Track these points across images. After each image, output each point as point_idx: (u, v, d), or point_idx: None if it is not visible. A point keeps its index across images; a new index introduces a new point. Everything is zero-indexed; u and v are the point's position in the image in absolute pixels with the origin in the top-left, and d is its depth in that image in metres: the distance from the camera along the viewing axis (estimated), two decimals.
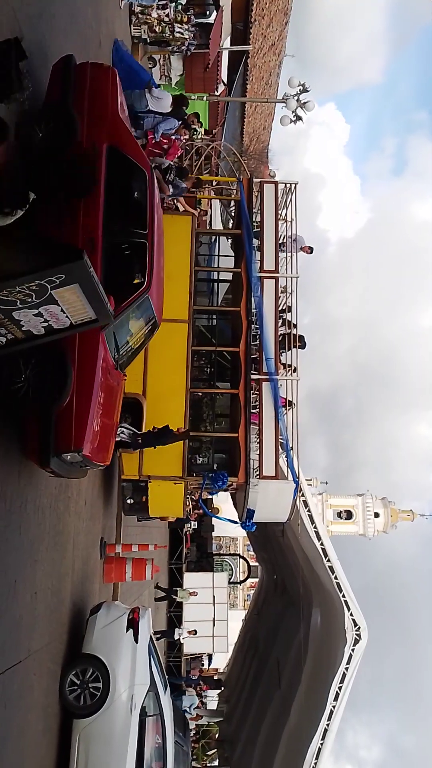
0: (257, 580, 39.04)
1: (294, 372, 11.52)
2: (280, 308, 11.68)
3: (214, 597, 20.60)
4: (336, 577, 15.36)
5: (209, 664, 31.81)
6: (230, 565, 47.39)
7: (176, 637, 19.52)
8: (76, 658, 7.38)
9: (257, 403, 11.08)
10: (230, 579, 31.70)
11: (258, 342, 11.01)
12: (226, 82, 25.57)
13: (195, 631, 19.53)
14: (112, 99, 5.91)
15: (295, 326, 11.77)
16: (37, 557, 6.46)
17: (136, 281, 5.85)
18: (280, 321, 11.54)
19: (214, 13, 21.17)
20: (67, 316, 3.35)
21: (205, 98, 20.78)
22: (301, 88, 20.80)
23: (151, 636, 8.29)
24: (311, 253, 12.26)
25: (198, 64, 21.21)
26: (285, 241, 11.67)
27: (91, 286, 3.21)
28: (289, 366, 11.56)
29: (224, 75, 25.32)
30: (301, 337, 11.94)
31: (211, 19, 21.05)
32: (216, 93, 23.33)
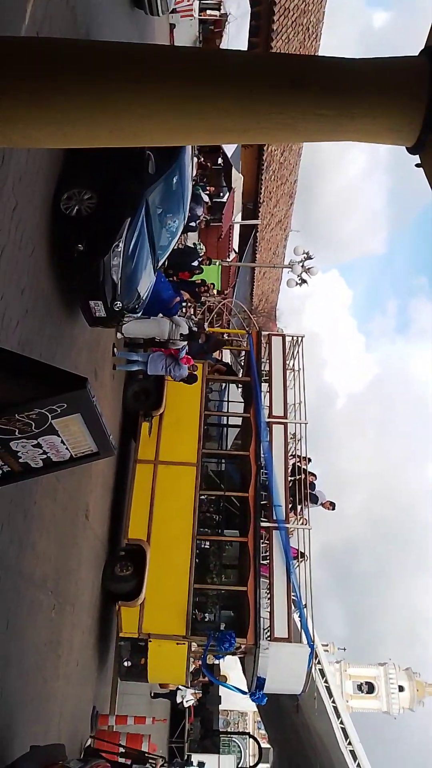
0: (269, 765, 34.26)
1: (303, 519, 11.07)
2: (290, 454, 11.59)
3: None
4: (359, 765, 13.40)
5: None
6: (238, 746, 41.84)
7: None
8: None
9: (267, 554, 10.51)
10: (239, 763, 27.64)
11: (267, 488, 10.75)
12: (237, 250, 28.12)
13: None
14: None
15: (306, 470, 11.55)
16: (16, 730, 5.70)
17: None
18: (291, 467, 11.38)
19: (227, 194, 23.95)
20: (67, 448, 3.27)
21: (217, 263, 22.71)
22: (305, 255, 22.80)
23: None
24: (333, 509, 11.93)
25: (212, 235, 23.57)
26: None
27: (93, 417, 3.17)
28: (301, 514, 11.15)
29: (236, 244, 27.92)
30: (312, 485, 11.67)
31: (224, 199, 23.79)
32: (228, 259, 25.59)
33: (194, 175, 16.16)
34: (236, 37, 22.75)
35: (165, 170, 7.23)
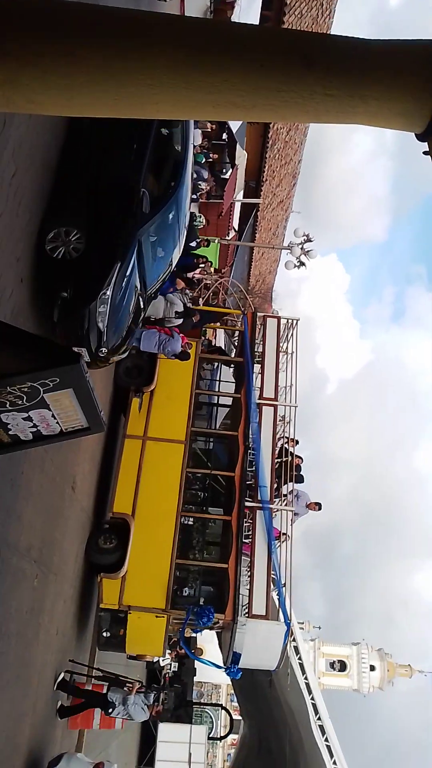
0: (239, 736, 35.19)
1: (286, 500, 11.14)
2: (278, 436, 11.63)
3: (190, 755, 18.01)
4: (327, 740, 13.78)
5: None
6: (210, 717, 42.76)
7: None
8: None
9: (250, 533, 10.62)
10: (210, 734, 28.24)
11: (254, 468, 10.82)
12: (237, 229, 27.86)
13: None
14: None
15: (293, 454, 11.61)
16: None
17: None
18: (278, 449, 11.43)
19: (230, 171, 23.63)
20: (57, 422, 3.25)
21: (216, 241, 22.48)
22: (305, 237, 22.65)
23: None
24: (319, 509, 11.80)
25: (212, 212, 23.32)
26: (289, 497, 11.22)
27: (86, 393, 3.14)
28: (286, 497, 11.22)
29: (236, 223, 27.66)
30: (299, 467, 11.75)
31: (227, 176, 23.48)
32: (227, 237, 25.37)
33: (198, 144, 15.86)
34: (248, 10, 22.19)
35: (160, 207, 6.56)
